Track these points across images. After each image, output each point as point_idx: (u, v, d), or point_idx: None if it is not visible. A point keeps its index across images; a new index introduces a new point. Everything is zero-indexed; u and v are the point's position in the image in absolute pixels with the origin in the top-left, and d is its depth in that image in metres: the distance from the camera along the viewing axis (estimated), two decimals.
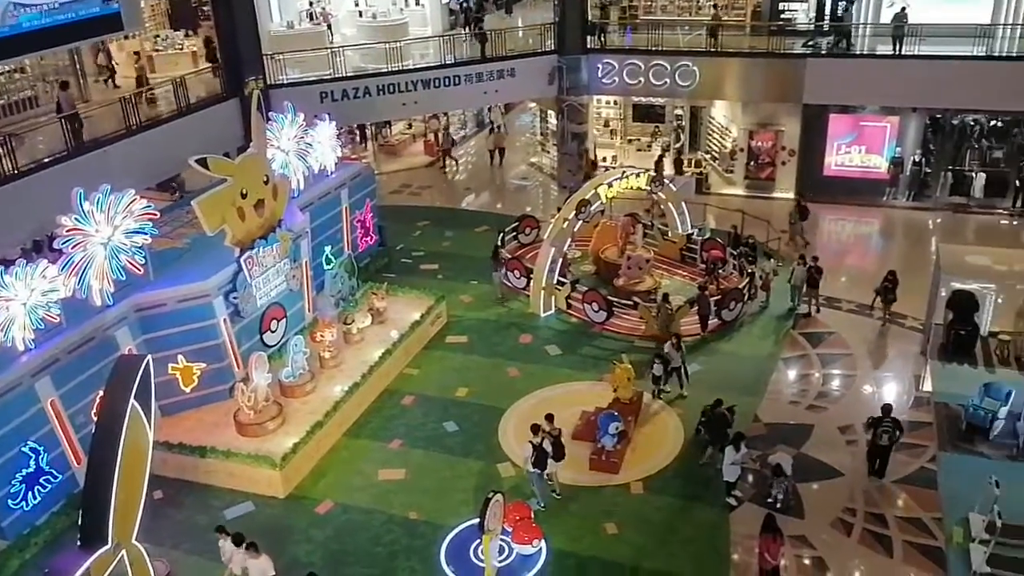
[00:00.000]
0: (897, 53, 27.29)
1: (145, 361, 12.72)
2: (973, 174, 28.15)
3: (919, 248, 25.75)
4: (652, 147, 32.66)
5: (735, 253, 23.65)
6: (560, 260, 22.42)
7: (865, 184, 28.95)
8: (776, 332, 21.60)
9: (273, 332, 19.49)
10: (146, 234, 16.68)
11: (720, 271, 23.37)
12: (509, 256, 24.20)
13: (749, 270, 22.53)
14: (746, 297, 22.18)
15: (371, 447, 17.84)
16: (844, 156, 29.20)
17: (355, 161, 27.85)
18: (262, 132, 18.93)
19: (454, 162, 33.70)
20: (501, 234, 25.22)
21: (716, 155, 31.51)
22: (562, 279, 22.70)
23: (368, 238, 24.84)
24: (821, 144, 29.10)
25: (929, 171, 28.60)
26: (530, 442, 15.77)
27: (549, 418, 16.47)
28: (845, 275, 24.57)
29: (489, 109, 37.28)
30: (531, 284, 22.85)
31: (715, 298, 21.53)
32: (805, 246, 25.43)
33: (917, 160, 28.47)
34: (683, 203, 25.63)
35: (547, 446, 15.70)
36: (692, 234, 25.17)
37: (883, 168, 28.87)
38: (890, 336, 21.03)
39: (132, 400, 12.32)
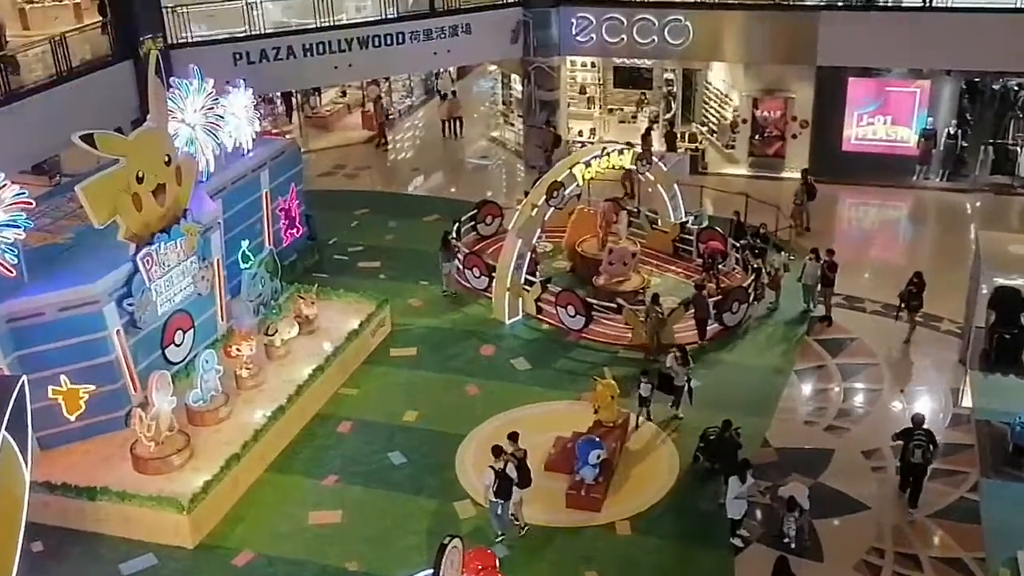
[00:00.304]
0: (927, 4, 27.76)
1: (19, 383, 12.56)
2: (1018, 149, 28.74)
3: (955, 237, 26.24)
4: (638, 119, 33.02)
5: (738, 245, 23.92)
6: (528, 255, 22.51)
7: (891, 161, 29.45)
8: (787, 339, 21.84)
9: (178, 346, 19.41)
10: (19, 227, 16.43)
11: (720, 267, 23.62)
12: (466, 251, 24.29)
13: (754, 265, 22.79)
14: (752, 298, 22.42)
15: (300, 484, 17.79)
16: (866, 128, 29.72)
17: (277, 137, 27.74)
18: (162, 102, 18.79)
19: (389, 141, 33.68)
20: (456, 224, 25.27)
21: (714, 128, 31.87)
22: (531, 278, 22.79)
23: (294, 230, 24.84)
24: (839, 114, 29.56)
25: (966, 145, 29.16)
26: (491, 467, 15.84)
27: (513, 437, 16.39)
28: (869, 270, 24.97)
29: (437, 75, 37.46)
30: (493, 284, 22.95)
31: (714, 299, 21.74)
32: (806, 230, 25.73)
33: (952, 133, 29.00)
34: (675, 185, 25.84)
35: (512, 471, 15.76)
36: (686, 223, 25.40)
37: (912, 142, 29.42)
38: (923, 342, 21.39)
39: (2, 431, 12.14)
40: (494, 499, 15.93)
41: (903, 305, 21.40)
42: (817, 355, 21.19)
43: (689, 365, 18.81)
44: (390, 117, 33.72)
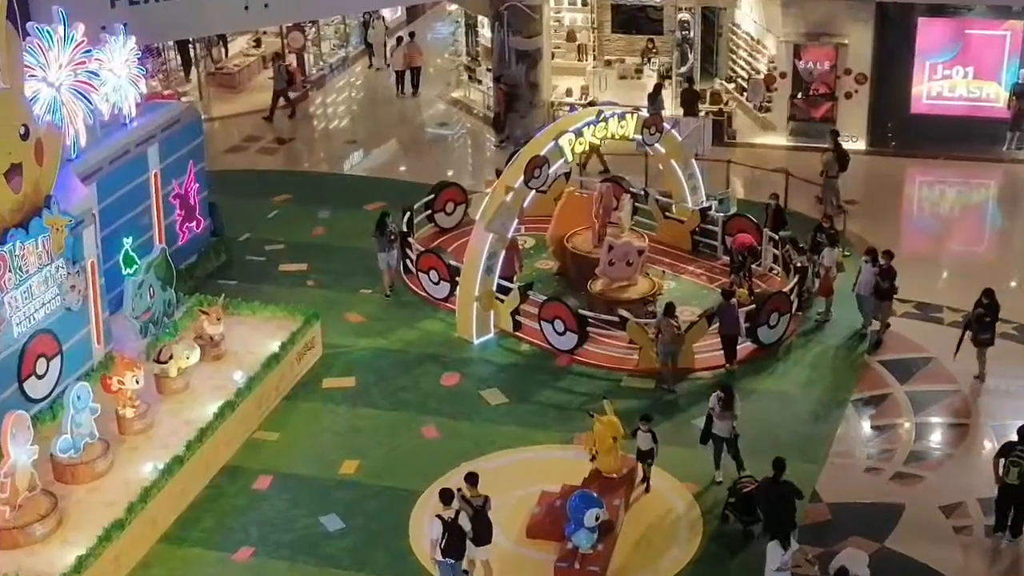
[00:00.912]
0: None
1: None
2: None
3: None
4: (643, 73, 33.15)
5: (776, 237, 24.06)
6: (502, 253, 22.58)
7: (974, 126, 29.72)
8: (843, 360, 21.97)
9: (40, 378, 19.29)
10: None
11: (754, 266, 23.79)
12: (421, 249, 24.34)
13: (798, 263, 22.91)
14: (795, 307, 22.54)
15: (204, 559, 17.69)
16: (941, 84, 30.00)
17: (170, 100, 27.64)
18: (15, 56, 18.68)
19: (290, 108, 33.62)
20: (407, 214, 25.33)
21: (744, 85, 32.12)
22: (507, 283, 22.85)
23: (193, 223, 24.84)
24: (905, 66, 29.86)
25: None
26: (439, 516, 15.98)
27: (471, 480, 16.52)
28: (947, 269, 25.17)
29: (369, 24, 37.47)
30: (457, 292, 22.99)
31: (747, 308, 21.85)
32: (838, 212, 25.95)
33: None
34: (694, 161, 25.99)
35: (465, 522, 15.90)
36: (709, 209, 25.54)
37: (1001, 101, 29.72)
38: (1018, 361, 21.59)
39: None
40: (441, 558, 15.99)
41: (969, 333, 20.85)
42: (882, 381, 21.31)
43: (736, 412, 18.66)
44: (291, 85, 33.61)
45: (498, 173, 24.88)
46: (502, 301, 22.63)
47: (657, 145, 24.99)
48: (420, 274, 23.97)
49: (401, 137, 32.67)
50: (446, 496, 16.19)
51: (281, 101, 33.45)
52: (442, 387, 21.33)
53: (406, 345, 22.56)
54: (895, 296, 22.22)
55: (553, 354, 22.14)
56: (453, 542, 15.86)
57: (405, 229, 24.80)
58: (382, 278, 24.04)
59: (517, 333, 22.70)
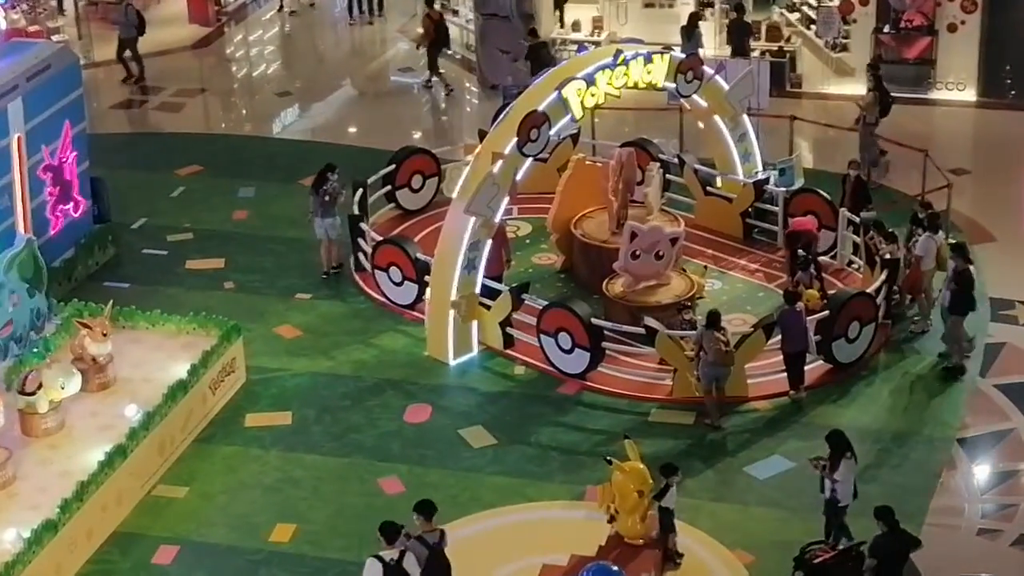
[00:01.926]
0: None
1: None
2: None
3: None
4: (676, 2, 33.05)
5: (859, 220, 24.11)
6: (488, 244, 22.61)
7: None
8: (945, 385, 22.04)
9: None
10: None
11: (823, 259, 23.80)
12: (378, 238, 24.35)
13: (885, 253, 22.87)
14: (882, 313, 22.55)
15: None
16: None
17: (38, 38, 27.49)
18: None
19: (130, 75, 33.65)
20: (358, 191, 25.37)
21: (813, 15, 32.10)
22: (494, 284, 22.93)
23: (70, 205, 24.87)
24: None
25: None
26: (376, 557, 16.28)
27: (424, 511, 16.77)
28: None
29: None
30: (427, 297, 23.01)
31: (818, 316, 21.88)
32: (872, 166, 25.80)
33: None
34: (746, 117, 26.08)
35: (413, 566, 16.24)
36: (766, 182, 25.65)
37: None
38: None
39: None
40: None
41: None
42: (999, 412, 21.36)
43: (854, 458, 18.24)
44: (225, 7, 33.49)
45: (482, 135, 24.83)
46: (488, 308, 22.63)
47: (696, 96, 24.98)
48: (377, 272, 23.95)
49: (352, 87, 32.59)
50: (388, 532, 16.41)
51: (128, 53, 33.25)
52: (407, 425, 21.30)
53: (358, 368, 22.56)
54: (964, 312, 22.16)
55: (557, 379, 22.17)
56: None
57: (357, 211, 24.83)
58: (321, 249, 24.14)
59: (508, 351, 22.74)
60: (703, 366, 20.95)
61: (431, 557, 16.43)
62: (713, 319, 21.12)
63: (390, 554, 16.16)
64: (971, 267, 22.22)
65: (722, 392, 21.13)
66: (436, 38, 32.32)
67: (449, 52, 33.72)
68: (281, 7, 38.10)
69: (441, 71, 32.59)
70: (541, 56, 30.63)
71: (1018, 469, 20.25)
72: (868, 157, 26.90)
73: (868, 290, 22.48)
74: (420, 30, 33.40)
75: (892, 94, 28.14)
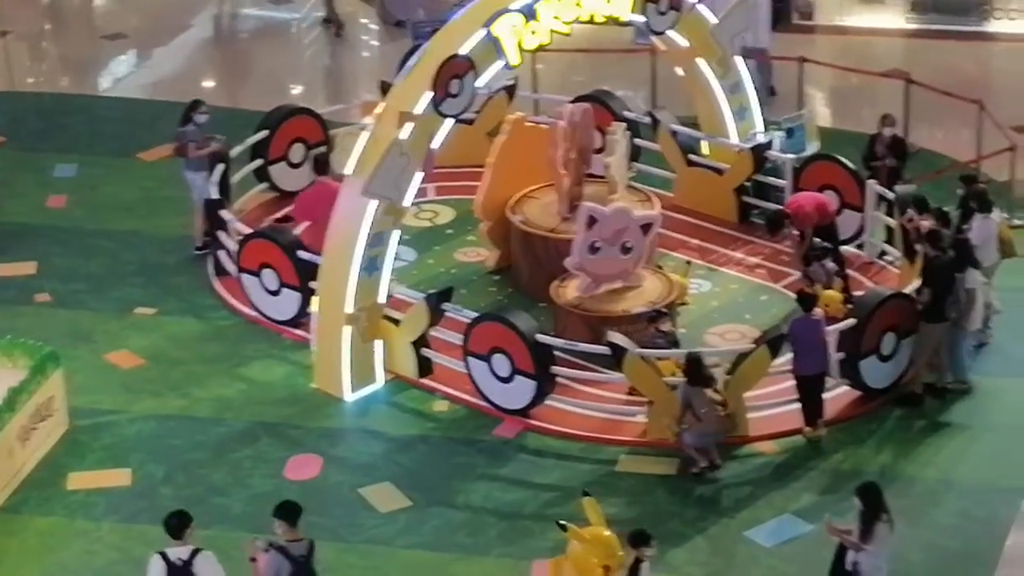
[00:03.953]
0: None
1: None
2: None
3: None
4: None
5: (892, 196, 24.23)
6: (397, 234, 22.58)
7: None
8: (1014, 415, 22.21)
9: None
10: None
11: (837, 252, 23.93)
12: (246, 231, 24.37)
13: (928, 247, 22.92)
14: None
15: None
16: None
17: None
18: None
19: None
20: (217, 167, 25.29)
21: None
22: (406, 292, 23.04)
23: None
24: None
25: None
26: (162, 554, 16.89)
27: (287, 515, 17.14)
28: None
29: None
30: (313, 308, 22.98)
31: (840, 325, 21.99)
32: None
33: None
34: (739, 60, 26.17)
35: (204, 569, 16.80)
36: (769, 146, 25.82)
37: None
38: None
39: None
40: None
41: None
42: None
43: (889, 523, 18.44)
44: None
45: (384, 90, 24.83)
46: (397, 323, 22.62)
47: (672, 33, 25.08)
48: (245, 277, 23.93)
49: (205, 26, 32.46)
50: (173, 526, 16.99)
51: None
52: (289, 483, 21.19)
53: (222, 408, 22.53)
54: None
55: (492, 417, 22.16)
56: None
57: (216, 195, 24.80)
58: (196, 222, 24.32)
59: (426, 380, 22.72)
60: (692, 434, 20.92)
61: (296, 570, 16.68)
62: (696, 369, 20.98)
63: (178, 552, 16.49)
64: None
65: (728, 426, 21.13)
66: None
67: None
68: None
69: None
70: None
71: None
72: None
73: (906, 290, 22.55)
74: None
75: (936, 27, 28.29)
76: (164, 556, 16.52)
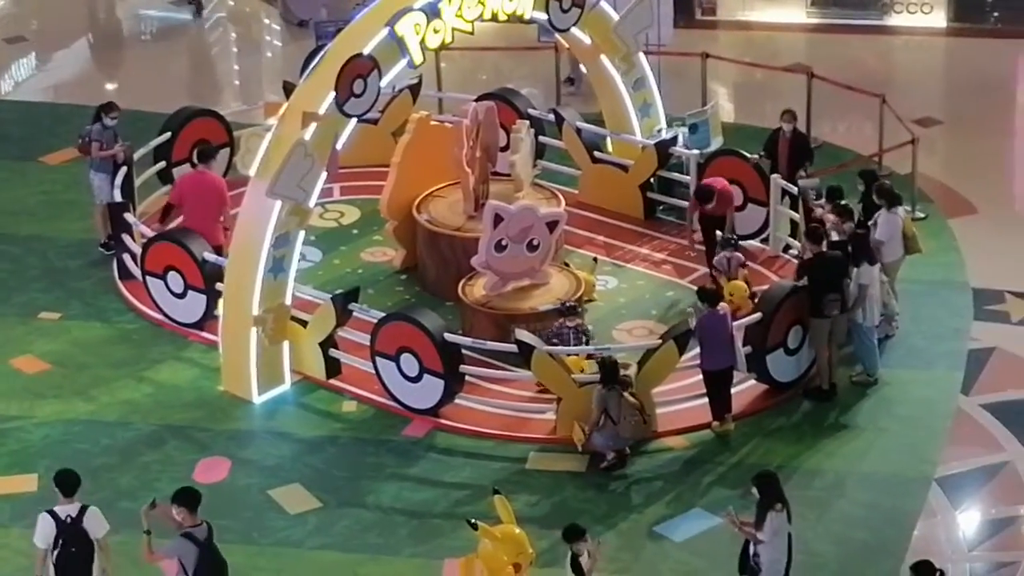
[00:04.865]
0: None
1: None
2: None
3: None
4: None
5: (796, 190, 24.32)
6: (300, 235, 22.59)
7: None
8: (920, 406, 22.36)
9: None
10: None
11: (734, 241, 24.00)
12: (150, 233, 24.21)
13: (832, 232, 22.98)
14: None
15: None
16: None
17: None
18: None
19: None
20: (119, 170, 25.13)
21: None
22: (312, 293, 22.99)
23: None
24: None
25: None
26: (51, 512, 17.08)
27: (186, 500, 17.15)
28: None
29: None
30: (220, 310, 22.97)
31: (746, 320, 22.14)
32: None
33: None
34: (642, 57, 26.28)
35: (93, 524, 17.10)
36: (673, 142, 25.89)
37: None
38: None
39: None
40: None
41: None
42: (988, 440, 21.63)
43: (784, 511, 18.50)
44: None
45: (288, 90, 24.79)
46: (304, 325, 22.61)
47: (576, 30, 25.14)
48: (150, 280, 23.82)
49: (107, 28, 32.30)
50: (65, 482, 17.15)
51: None
52: (198, 485, 20.90)
53: (129, 412, 22.43)
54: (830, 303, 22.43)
55: (401, 417, 22.17)
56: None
57: (119, 198, 24.70)
58: (97, 215, 24.17)
59: (334, 381, 22.73)
60: (604, 436, 20.96)
61: (203, 555, 16.94)
62: (611, 371, 21.01)
63: (67, 510, 16.67)
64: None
65: (634, 424, 21.03)
66: None
67: None
68: None
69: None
70: None
71: (1016, 515, 20.48)
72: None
73: (800, 284, 22.50)
74: None
75: (837, 21, 28.42)
76: (53, 514, 16.67)
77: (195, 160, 24.96)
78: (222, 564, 17.28)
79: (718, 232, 23.79)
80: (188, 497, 17.06)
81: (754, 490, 17.64)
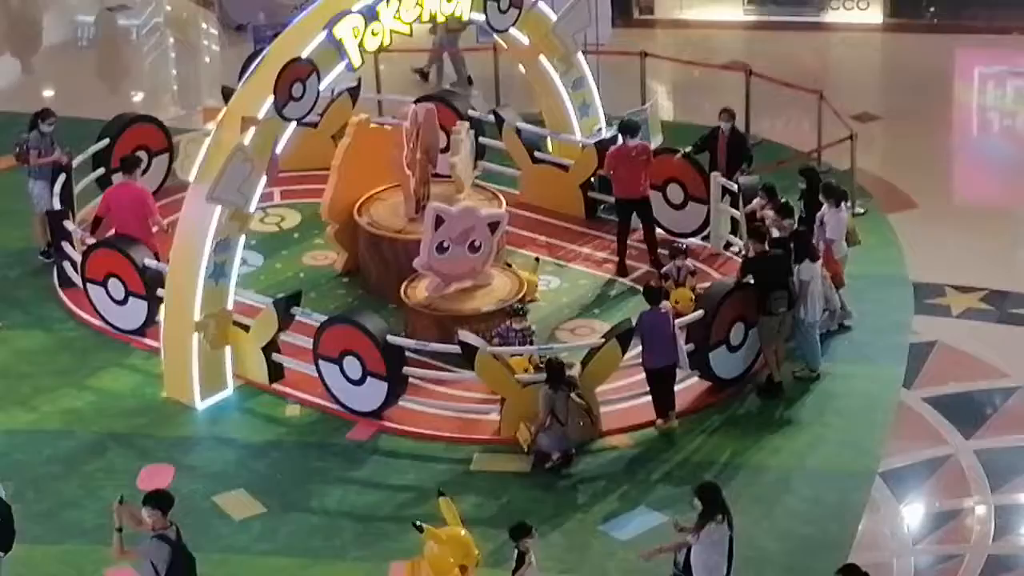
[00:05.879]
0: None
1: None
2: None
3: None
4: None
5: (737, 186, 24.43)
6: (240, 239, 22.55)
7: None
8: (863, 400, 22.46)
9: None
10: None
11: (680, 247, 24.12)
12: (90, 240, 24.17)
13: (773, 229, 23.05)
14: (777, 306, 22.80)
15: None
16: None
17: None
18: None
19: None
20: (58, 177, 25.09)
21: None
22: (254, 297, 23.05)
23: None
24: None
25: None
26: None
27: (158, 502, 17.12)
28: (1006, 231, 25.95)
29: None
30: (161, 316, 22.92)
31: (689, 318, 22.15)
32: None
33: None
34: (580, 56, 26.31)
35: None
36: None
37: None
38: None
39: None
40: None
41: None
42: (932, 434, 21.73)
43: (725, 522, 18.34)
44: None
45: (226, 95, 24.75)
46: (246, 329, 22.60)
47: (514, 31, 25.17)
48: (91, 287, 23.76)
49: (40, 33, 32.21)
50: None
51: None
52: (142, 493, 20.95)
53: (71, 420, 22.36)
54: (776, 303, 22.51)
55: (345, 420, 22.16)
56: None
57: (58, 206, 24.62)
58: (37, 222, 24.17)
59: (277, 386, 22.70)
60: (551, 437, 21.01)
61: (175, 555, 16.98)
62: (559, 374, 21.02)
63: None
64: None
65: (575, 423, 21.18)
66: None
67: None
68: None
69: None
70: None
71: (959, 508, 20.57)
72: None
73: (745, 280, 22.58)
74: None
75: (774, 18, 28.53)
76: None
77: (122, 172, 24.81)
78: (192, 559, 17.27)
79: (679, 242, 23.81)
80: (161, 499, 17.06)
81: (696, 501, 17.51)
